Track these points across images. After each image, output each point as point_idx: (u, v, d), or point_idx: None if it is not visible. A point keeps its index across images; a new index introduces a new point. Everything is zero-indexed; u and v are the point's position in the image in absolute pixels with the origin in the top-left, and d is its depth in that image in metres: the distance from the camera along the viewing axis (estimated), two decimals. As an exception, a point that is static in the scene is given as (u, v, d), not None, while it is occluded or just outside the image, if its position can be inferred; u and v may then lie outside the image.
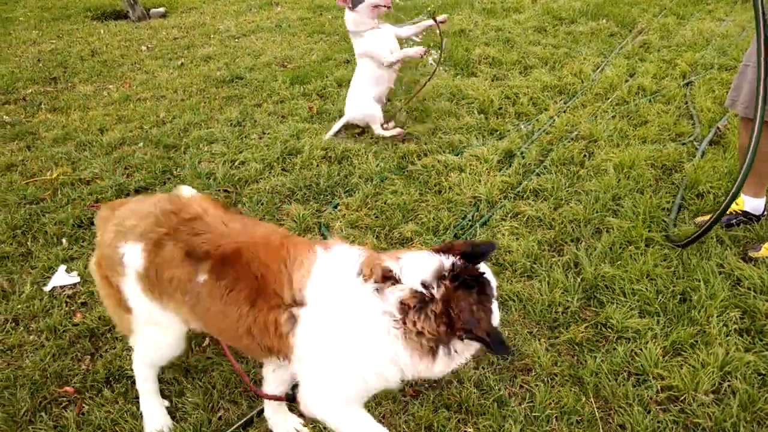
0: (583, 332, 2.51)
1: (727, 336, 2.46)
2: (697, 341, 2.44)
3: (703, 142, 3.95)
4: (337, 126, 4.33)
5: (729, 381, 2.28)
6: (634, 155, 3.73)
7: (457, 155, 3.94)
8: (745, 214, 3.18)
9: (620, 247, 2.98)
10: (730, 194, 2.71)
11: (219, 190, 3.69)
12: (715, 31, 6.30)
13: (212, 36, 6.98)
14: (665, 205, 3.31)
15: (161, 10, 8.33)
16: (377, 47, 4.15)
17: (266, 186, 3.70)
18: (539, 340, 2.51)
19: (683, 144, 3.95)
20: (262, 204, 3.53)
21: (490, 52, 5.78)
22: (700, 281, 2.71)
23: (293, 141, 4.21)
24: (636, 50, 5.72)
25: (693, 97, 4.68)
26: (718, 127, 4.12)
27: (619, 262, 2.87)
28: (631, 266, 2.83)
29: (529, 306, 2.67)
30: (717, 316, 2.53)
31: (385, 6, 4.06)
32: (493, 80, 5.21)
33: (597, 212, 3.27)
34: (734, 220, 3.17)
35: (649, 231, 3.07)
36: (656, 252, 2.92)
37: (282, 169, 3.90)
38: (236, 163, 3.99)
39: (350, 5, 4.07)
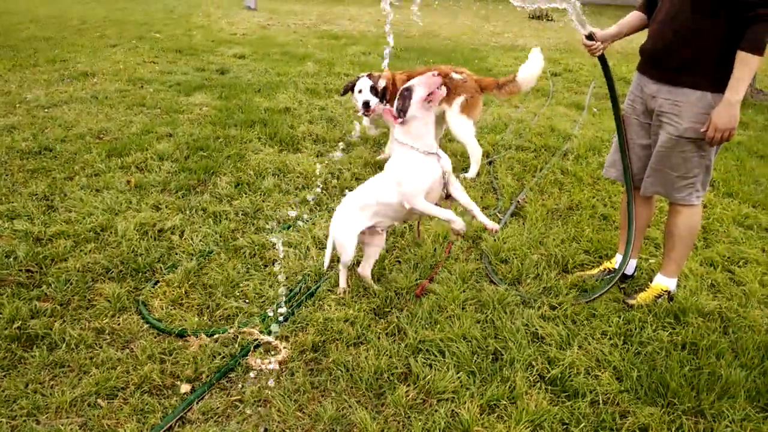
0: (407, 396, 2.59)
1: (535, 389, 2.68)
2: (510, 396, 2.62)
3: (506, 213, 4.38)
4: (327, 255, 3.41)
5: (538, 432, 2.47)
6: (447, 226, 4.01)
7: (287, 228, 3.98)
8: (616, 272, 3.52)
9: (438, 312, 3.16)
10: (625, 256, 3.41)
11: (21, 270, 3.35)
12: (512, 116, 7.12)
13: (17, 105, 6.48)
14: (475, 271, 3.59)
15: (-44, 75, 7.59)
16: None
17: (76, 264, 3.43)
18: (366, 408, 2.54)
19: (488, 216, 4.34)
20: (70, 284, 3.26)
21: (314, 129, 6.00)
22: (508, 340, 2.94)
23: (108, 215, 3.98)
24: (446, 132, 6.25)
25: (496, 174, 5.19)
26: (518, 201, 4.60)
27: (438, 326, 3.03)
28: (449, 329, 3.00)
29: (356, 374, 2.71)
30: (524, 371, 2.76)
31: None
32: (317, 156, 5.38)
33: (417, 279, 3.45)
34: (607, 277, 3.53)
35: (464, 293, 3.30)
36: (470, 315, 3.13)
37: (95, 246, 3.65)
38: (42, 241, 3.67)
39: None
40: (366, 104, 4.86)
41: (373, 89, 4.88)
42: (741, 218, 4.65)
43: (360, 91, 4.89)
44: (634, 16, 3.33)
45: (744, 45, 2.76)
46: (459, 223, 3.05)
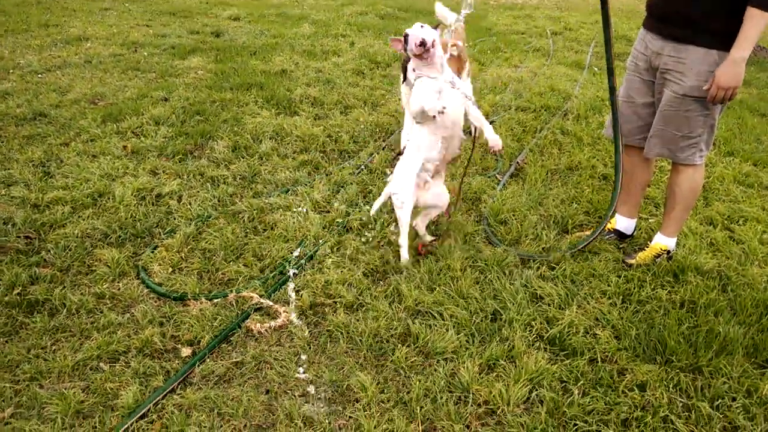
0: (407, 357, 2.61)
1: (534, 348, 2.70)
2: (509, 356, 2.64)
3: (506, 174, 4.36)
4: (378, 202, 3.40)
5: (537, 391, 2.49)
6: (447, 188, 3.99)
7: (286, 192, 3.96)
8: (617, 232, 3.57)
9: (438, 274, 3.16)
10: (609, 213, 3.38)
11: (19, 237, 3.35)
12: (512, 76, 7.02)
13: (11, 71, 6.39)
14: (474, 233, 3.58)
15: (-54, 41, 7.47)
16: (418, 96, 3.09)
17: (74, 230, 3.42)
18: (366, 369, 2.57)
19: (488, 177, 4.32)
20: (69, 250, 3.26)
21: (311, 92, 5.93)
22: (507, 300, 2.95)
23: (106, 181, 3.96)
24: (446, 92, 6.19)
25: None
26: (517, 162, 4.57)
27: (436, 289, 3.04)
28: (448, 291, 3.01)
29: (356, 336, 2.73)
30: (522, 331, 2.78)
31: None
32: (315, 119, 5.33)
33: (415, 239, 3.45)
34: (606, 237, 3.56)
35: (462, 254, 3.30)
36: (469, 276, 3.14)
37: (93, 212, 3.64)
38: (40, 207, 3.66)
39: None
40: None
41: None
42: (741, 177, 4.63)
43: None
44: None
45: (753, 1, 2.69)
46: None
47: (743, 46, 2.77)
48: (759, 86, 7.54)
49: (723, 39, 2.83)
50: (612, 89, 3.30)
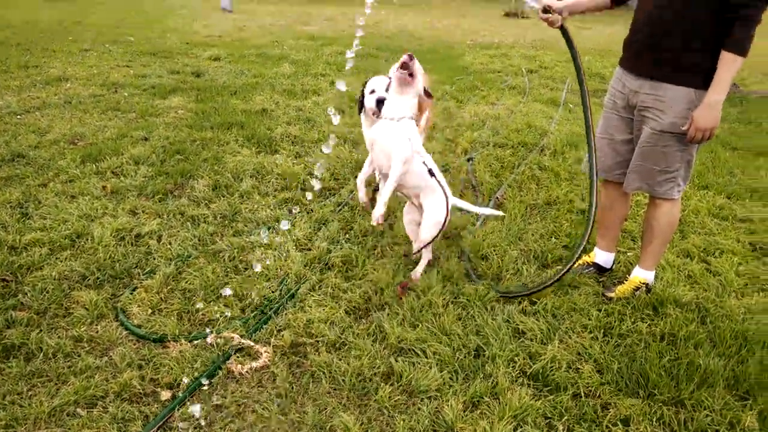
0: (390, 396, 2.59)
1: (517, 384, 2.69)
2: (493, 392, 2.63)
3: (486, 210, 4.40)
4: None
5: (522, 428, 2.47)
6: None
7: (269, 229, 3.95)
8: (596, 265, 3.60)
9: (420, 310, 3.16)
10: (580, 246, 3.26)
11: (-6, 280, 3.29)
12: (489, 113, 7.15)
13: (-12, 112, 6.36)
14: (456, 269, 3.59)
15: (-76, 82, 7.42)
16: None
17: (52, 272, 3.38)
18: (350, 409, 2.54)
19: (468, 213, 4.35)
20: (47, 292, 3.21)
21: (291, 130, 5.97)
22: (490, 336, 2.95)
23: (84, 222, 3.92)
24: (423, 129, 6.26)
25: (474, 171, 5.21)
26: (496, 197, 4.62)
27: (419, 326, 3.03)
28: (431, 328, 3.01)
29: (338, 376, 2.70)
30: (506, 367, 2.77)
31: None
32: (296, 157, 5.36)
33: (397, 277, 3.45)
34: (585, 271, 3.58)
35: (445, 288, 3.31)
36: (452, 312, 3.14)
37: (71, 253, 3.60)
38: (17, 249, 3.61)
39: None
40: (380, 102, 3.75)
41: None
42: (716, 209, 4.72)
43: (372, 91, 3.97)
44: None
45: (728, 45, 2.78)
46: (374, 214, 3.25)
47: (718, 90, 2.84)
48: (730, 121, 7.74)
49: (700, 77, 2.90)
50: (588, 127, 3.35)
